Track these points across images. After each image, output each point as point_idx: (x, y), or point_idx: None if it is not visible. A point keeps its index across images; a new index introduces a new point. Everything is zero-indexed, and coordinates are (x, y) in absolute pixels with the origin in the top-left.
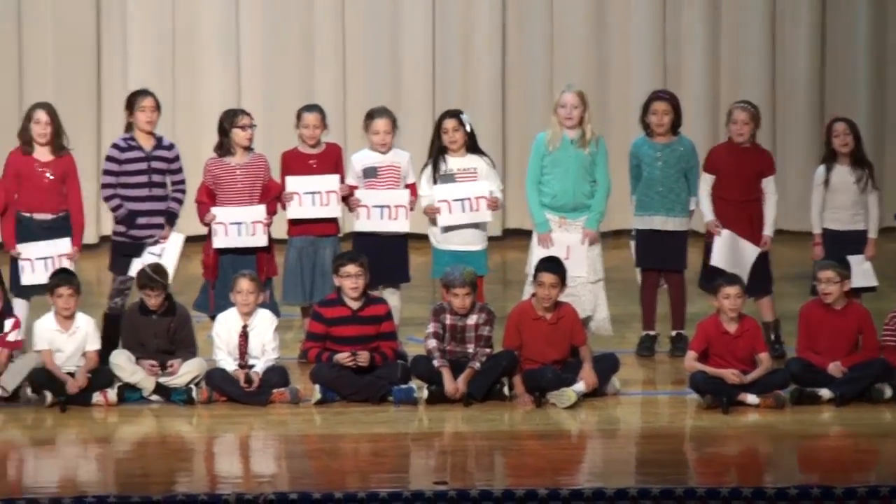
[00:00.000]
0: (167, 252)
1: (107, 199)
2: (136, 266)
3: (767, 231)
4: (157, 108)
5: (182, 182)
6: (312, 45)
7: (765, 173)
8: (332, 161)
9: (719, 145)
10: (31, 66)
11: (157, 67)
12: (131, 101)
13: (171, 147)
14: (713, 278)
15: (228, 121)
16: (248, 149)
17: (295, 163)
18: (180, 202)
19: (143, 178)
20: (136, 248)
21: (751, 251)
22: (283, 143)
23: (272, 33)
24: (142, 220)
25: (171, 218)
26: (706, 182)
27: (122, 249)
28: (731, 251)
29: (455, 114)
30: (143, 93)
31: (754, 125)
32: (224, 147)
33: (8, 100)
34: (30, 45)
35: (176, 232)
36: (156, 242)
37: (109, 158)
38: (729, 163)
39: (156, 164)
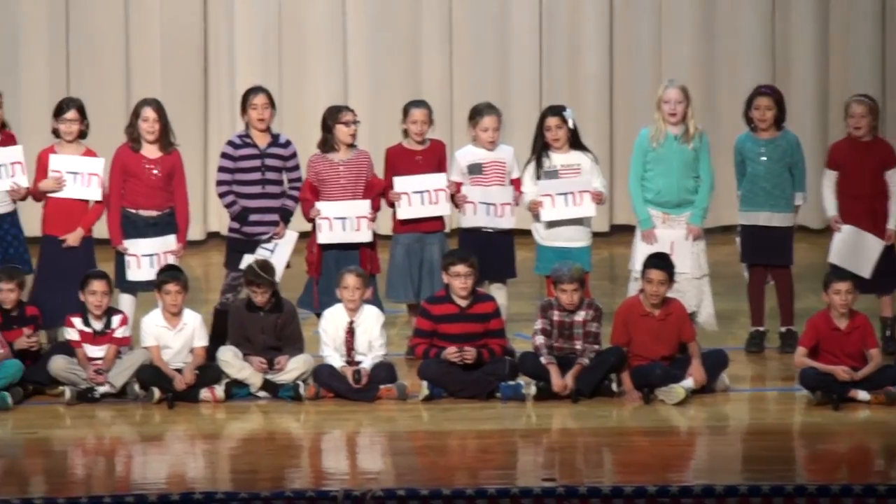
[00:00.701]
0: (279, 249)
1: (221, 195)
2: (247, 262)
3: (891, 225)
4: (271, 105)
5: (299, 179)
6: (419, 41)
7: (888, 166)
8: (436, 157)
9: (840, 141)
10: (139, 62)
11: (263, 64)
12: (245, 99)
13: (286, 144)
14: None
15: (332, 117)
16: (352, 145)
17: (400, 159)
18: (296, 200)
19: (256, 176)
20: (249, 245)
21: (876, 245)
22: (389, 139)
23: (379, 28)
24: (254, 217)
25: (285, 215)
26: (829, 178)
27: (236, 246)
28: (852, 247)
29: (558, 111)
30: (255, 90)
31: (872, 118)
32: (327, 143)
33: (115, 96)
34: (137, 41)
35: (290, 230)
36: (269, 239)
37: (224, 156)
38: (850, 158)
39: (270, 162)
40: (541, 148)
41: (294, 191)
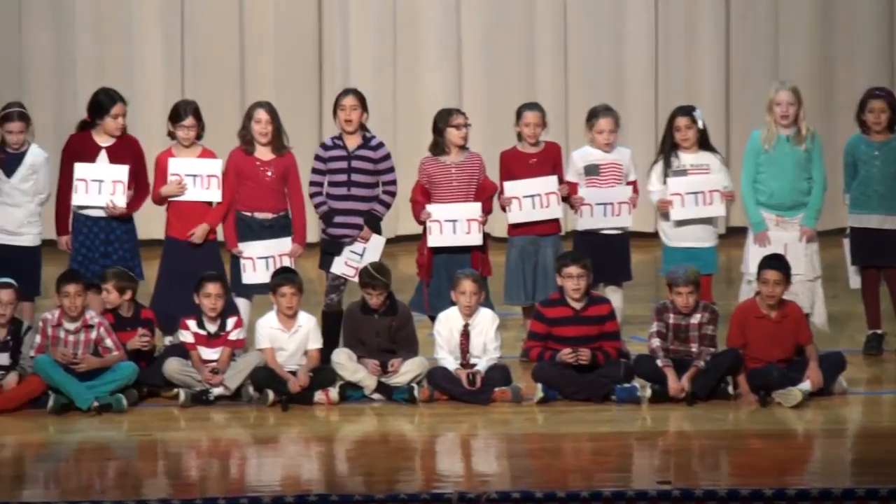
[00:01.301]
0: (367, 253)
1: (311, 196)
2: (336, 264)
3: None
4: (361, 107)
5: (391, 183)
6: (534, 42)
7: None
8: (550, 160)
9: None
10: (253, 64)
11: (378, 66)
12: (336, 101)
13: (378, 147)
14: None
15: (443, 120)
16: (463, 147)
17: (514, 161)
18: (386, 205)
19: (342, 177)
20: (336, 246)
21: None
22: (504, 142)
23: (493, 30)
24: (339, 219)
25: (371, 219)
26: None
27: (326, 248)
28: None
29: (688, 111)
30: (344, 93)
31: None
32: (439, 146)
33: (229, 99)
34: (251, 43)
35: (377, 235)
36: (353, 242)
37: (316, 157)
38: None
39: (357, 164)
40: (669, 148)
41: (386, 195)
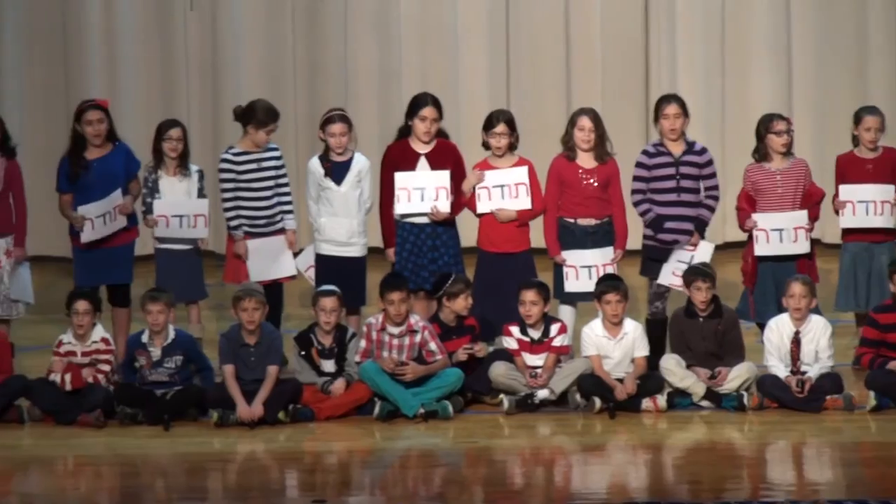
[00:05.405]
0: (695, 260)
1: (636, 203)
2: (664, 274)
3: None
4: (683, 114)
5: (715, 188)
6: (866, 44)
7: None
8: (888, 166)
9: None
10: (578, 71)
11: (705, 70)
12: (657, 108)
13: (702, 152)
14: None
15: (764, 126)
16: (787, 154)
17: (850, 166)
18: (712, 209)
19: (670, 184)
20: (664, 252)
21: None
22: (836, 146)
23: (824, 32)
24: (669, 225)
25: (700, 225)
26: None
27: (651, 254)
28: None
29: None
30: (666, 100)
31: None
32: (761, 152)
33: (554, 106)
34: (576, 50)
35: (704, 241)
36: (682, 247)
37: (639, 164)
38: None
39: (685, 170)
40: None
41: (710, 199)
